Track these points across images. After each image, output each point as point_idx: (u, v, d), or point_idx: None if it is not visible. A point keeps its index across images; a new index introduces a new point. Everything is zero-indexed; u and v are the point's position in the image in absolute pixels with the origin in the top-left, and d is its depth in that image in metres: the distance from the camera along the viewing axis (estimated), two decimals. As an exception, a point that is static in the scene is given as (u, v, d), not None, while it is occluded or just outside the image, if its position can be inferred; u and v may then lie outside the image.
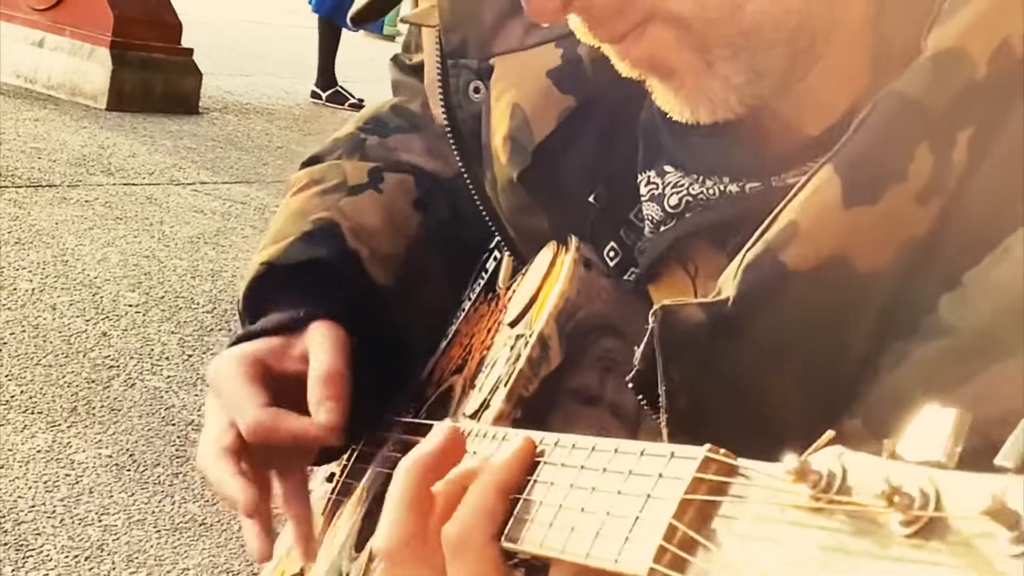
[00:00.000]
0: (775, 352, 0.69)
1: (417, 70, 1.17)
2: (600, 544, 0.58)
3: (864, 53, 0.75)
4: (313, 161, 1.18)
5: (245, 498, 0.97)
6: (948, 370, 0.63)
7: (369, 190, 1.12)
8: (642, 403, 0.74)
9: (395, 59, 1.25)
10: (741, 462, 0.53)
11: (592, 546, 0.59)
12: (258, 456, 1.00)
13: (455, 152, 0.97)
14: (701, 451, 0.55)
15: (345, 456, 1.16)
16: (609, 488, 0.60)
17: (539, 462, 0.68)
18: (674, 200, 0.83)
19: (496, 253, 1.08)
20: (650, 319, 0.71)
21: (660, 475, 0.56)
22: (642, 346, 0.71)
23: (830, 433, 0.49)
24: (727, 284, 0.70)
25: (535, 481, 0.67)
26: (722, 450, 0.54)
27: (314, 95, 9.27)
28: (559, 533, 0.62)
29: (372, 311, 1.06)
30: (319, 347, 1.00)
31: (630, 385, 0.73)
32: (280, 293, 1.06)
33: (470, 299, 1.09)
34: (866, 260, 0.67)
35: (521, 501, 0.67)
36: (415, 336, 1.10)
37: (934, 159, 0.66)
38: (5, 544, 2.71)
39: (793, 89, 0.75)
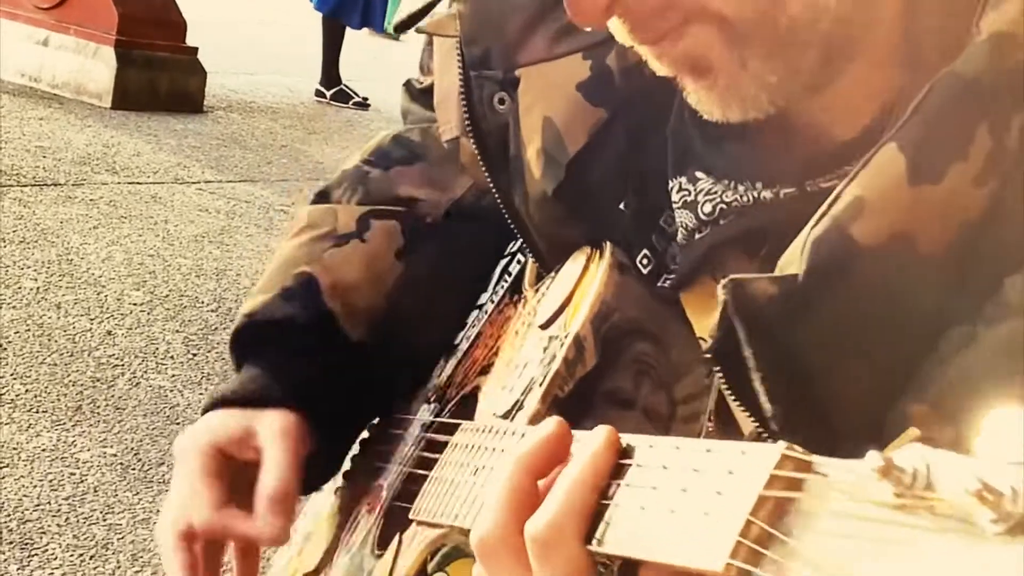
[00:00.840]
0: (842, 329, 0.69)
1: (426, 93, 1.18)
2: (669, 542, 0.58)
3: (895, 55, 0.75)
4: (322, 195, 1.22)
5: None
6: (1022, 352, 0.63)
7: (353, 240, 1.15)
8: (719, 376, 0.73)
9: (407, 84, 1.27)
10: (816, 459, 0.52)
11: (659, 544, 0.59)
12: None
13: (481, 163, 0.97)
14: (777, 448, 0.54)
15: (357, 452, 1.18)
16: (672, 486, 0.60)
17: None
18: (708, 208, 0.83)
19: (520, 256, 1.08)
20: (719, 291, 0.70)
21: (730, 472, 0.56)
22: (717, 317, 0.71)
23: (914, 431, 0.48)
24: (791, 263, 0.70)
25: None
26: (798, 447, 0.53)
27: (318, 94, 9.26)
28: (633, 532, 0.61)
29: (346, 365, 1.10)
30: (271, 452, 1.05)
31: (708, 356, 0.73)
32: (260, 345, 1.12)
33: (493, 301, 1.10)
34: (929, 240, 0.67)
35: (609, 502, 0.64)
36: (399, 376, 1.15)
37: (992, 141, 0.66)
38: (10, 543, 2.71)
39: (826, 90, 0.76)
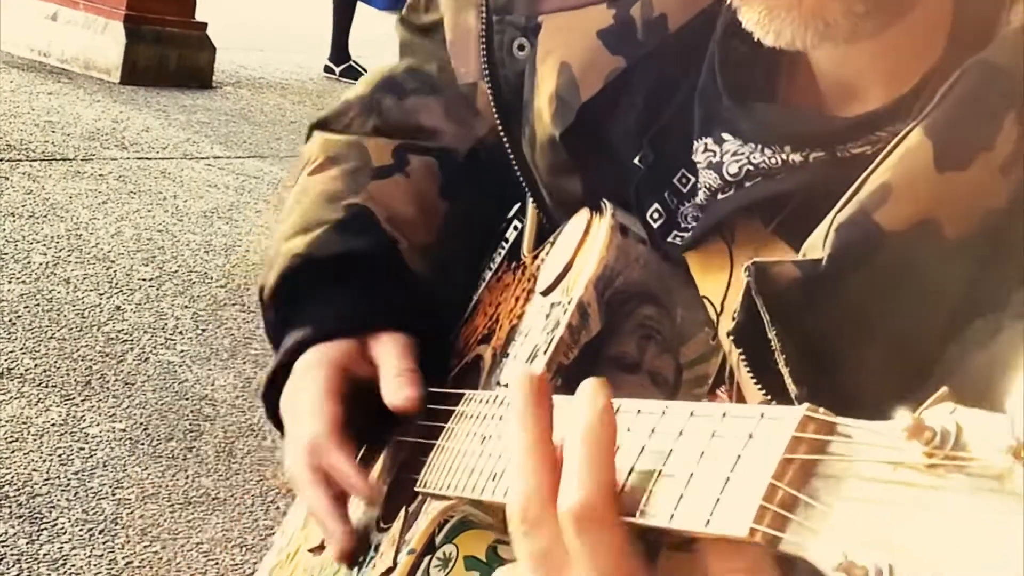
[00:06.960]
0: (865, 315, 0.69)
1: (427, 30, 1.16)
2: (686, 507, 0.56)
3: (943, 24, 0.75)
4: (324, 124, 1.16)
5: (339, 531, 0.99)
6: None
7: (396, 174, 1.10)
8: (741, 358, 0.73)
9: (403, 20, 1.22)
10: (841, 420, 0.51)
11: (677, 509, 0.57)
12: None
13: (494, 109, 0.97)
14: (799, 410, 0.52)
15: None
16: (690, 451, 0.58)
17: None
18: (734, 168, 0.82)
19: (516, 222, 1.07)
20: (743, 273, 0.70)
21: (750, 435, 0.54)
22: (741, 298, 0.71)
23: (945, 389, 0.47)
24: (814, 248, 0.70)
25: None
26: (821, 409, 0.52)
27: (327, 70, 9.24)
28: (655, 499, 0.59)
29: (415, 302, 1.05)
30: (389, 356, 1.01)
31: (731, 338, 0.72)
32: (318, 285, 1.04)
33: (490, 268, 1.08)
34: (955, 226, 0.67)
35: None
36: (449, 319, 1.10)
37: (1019, 130, 0.66)
38: (20, 517, 2.72)
39: (869, 42, 0.74)
